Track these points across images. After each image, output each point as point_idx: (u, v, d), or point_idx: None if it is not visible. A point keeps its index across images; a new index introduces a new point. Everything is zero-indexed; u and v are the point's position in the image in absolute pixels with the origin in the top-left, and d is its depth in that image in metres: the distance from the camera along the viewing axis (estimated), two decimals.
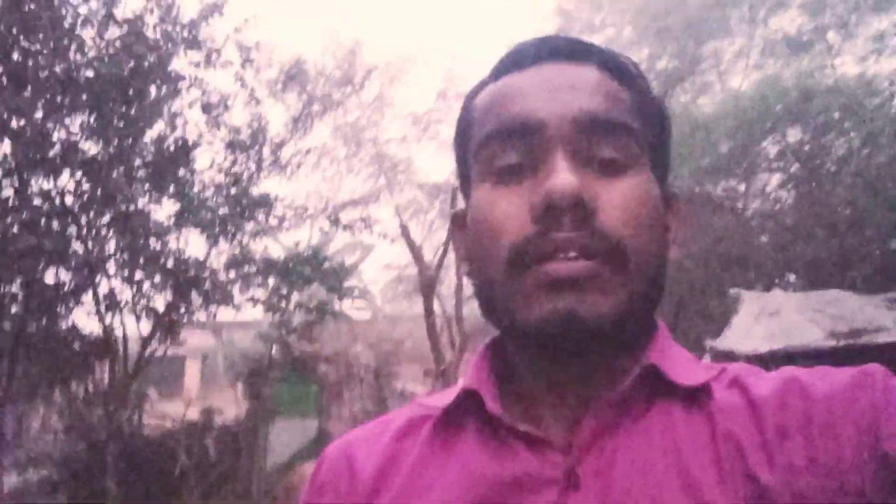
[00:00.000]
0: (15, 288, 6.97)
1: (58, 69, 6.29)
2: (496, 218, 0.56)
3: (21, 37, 6.25)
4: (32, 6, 6.19)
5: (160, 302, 7.87)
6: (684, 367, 0.56)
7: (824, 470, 0.47)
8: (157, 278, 7.39)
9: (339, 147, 10.60)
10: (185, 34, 6.86)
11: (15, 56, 6.28)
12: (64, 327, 7.65)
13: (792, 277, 6.59)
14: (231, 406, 10.96)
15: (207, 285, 7.04)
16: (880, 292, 4.82)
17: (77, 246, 7.15)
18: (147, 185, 7.21)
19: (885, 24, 10.61)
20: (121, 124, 6.79)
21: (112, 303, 7.80)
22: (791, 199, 7.16)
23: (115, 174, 6.83)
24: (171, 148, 7.14)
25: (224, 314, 8.72)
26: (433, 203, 11.06)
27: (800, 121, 7.07)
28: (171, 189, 7.19)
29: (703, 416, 0.53)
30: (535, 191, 0.54)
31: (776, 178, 7.27)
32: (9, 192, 6.59)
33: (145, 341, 7.78)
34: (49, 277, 7.22)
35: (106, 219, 7.21)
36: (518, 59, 0.60)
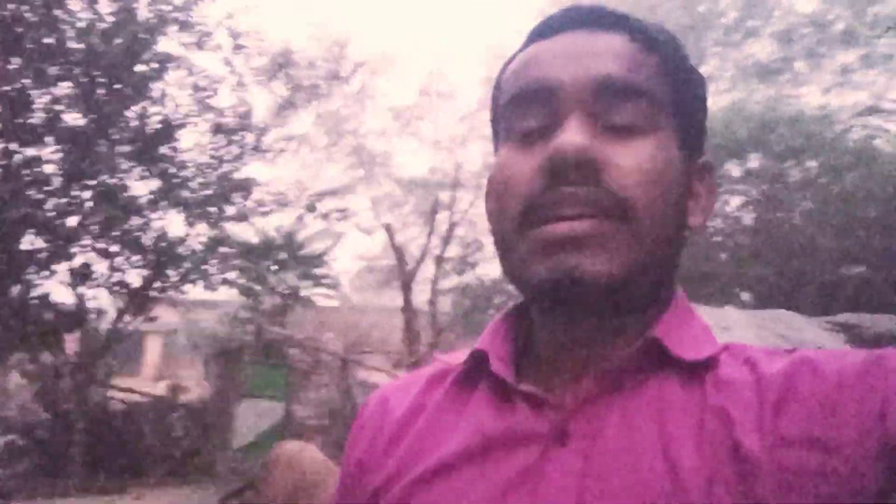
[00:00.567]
0: None
1: (48, 39, 6.30)
2: (512, 176, 0.57)
3: (12, 4, 6.25)
4: None
5: (135, 277, 7.95)
6: (692, 341, 0.57)
7: (819, 447, 0.47)
8: (134, 254, 7.46)
9: (320, 136, 10.69)
10: (178, 15, 6.92)
11: (4, 22, 6.28)
12: (35, 296, 7.67)
13: (745, 296, 6.97)
14: (192, 384, 11.02)
15: (187, 264, 7.12)
16: (824, 315, 5.11)
17: (52, 215, 7.18)
18: (129, 161, 7.26)
19: (850, 58, 11.13)
20: (106, 98, 6.84)
21: (85, 275, 7.84)
22: (750, 221, 7.55)
23: (97, 147, 6.88)
24: (156, 126, 7.21)
25: (192, 293, 8.82)
26: (409, 198, 11.23)
27: (762, 147, 7.44)
28: (153, 166, 7.25)
29: (698, 389, 0.53)
30: (547, 150, 0.55)
31: (737, 200, 7.63)
32: None
33: (118, 315, 7.83)
34: (24, 244, 7.25)
35: (86, 191, 7.25)
36: (545, 28, 0.62)
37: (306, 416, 9.42)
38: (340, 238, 10.79)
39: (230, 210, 7.51)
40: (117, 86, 6.70)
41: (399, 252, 6.71)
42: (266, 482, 5.34)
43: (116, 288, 8.01)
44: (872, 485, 0.45)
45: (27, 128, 6.56)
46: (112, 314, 8.34)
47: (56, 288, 7.87)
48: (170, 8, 7.01)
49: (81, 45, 6.35)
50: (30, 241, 7.20)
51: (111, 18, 6.58)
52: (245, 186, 7.66)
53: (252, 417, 8.53)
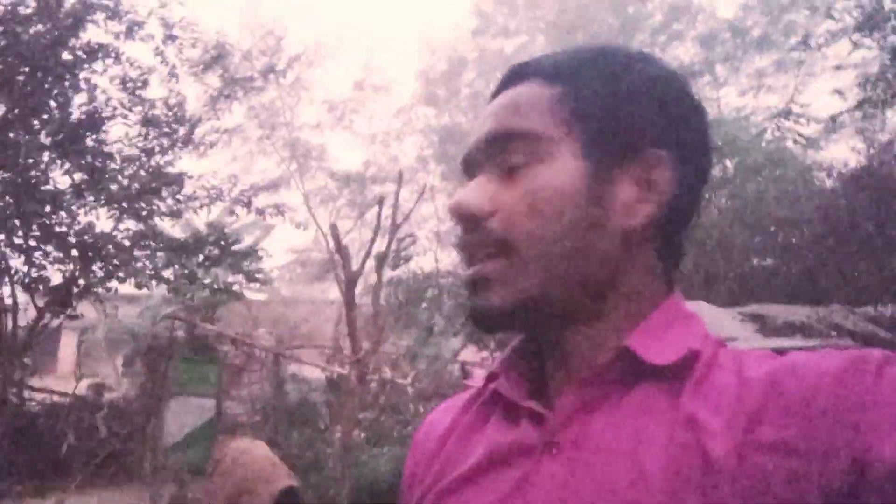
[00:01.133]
0: None
1: None
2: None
3: None
4: None
5: (56, 274, 7.75)
6: (669, 347, 0.59)
7: (790, 452, 0.48)
8: (56, 249, 7.28)
9: (253, 128, 10.63)
10: (107, 2, 6.79)
11: None
12: None
13: None
14: (111, 382, 10.75)
15: (115, 261, 7.03)
16: (737, 306, 5.49)
17: None
18: (50, 152, 7.08)
19: (765, 63, 11.94)
20: (27, 86, 6.65)
21: (1, 271, 7.59)
22: None
23: (15, 136, 6.68)
24: (80, 116, 7.05)
25: (118, 287, 8.64)
26: (342, 191, 11.29)
27: None
28: (78, 158, 7.09)
29: (675, 396, 0.56)
30: None
31: None
32: None
33: (39, 314, 7.63)
34: None
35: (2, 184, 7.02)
36: (493, 91, 0.71)
37: (238, 413, 9.41)
38: (270, 231, 10.78)
39: (161, 205, 7.44)
40: (40, 74, 6.53)
41: (345, 251, 6.85)
42: (211, 480, 5.39)
43: (34, 285, 7.78)
44: (841, 492, 0.46)
45: None
46: (30, 312, 8.10)
47: None
48: None
49: (1, 30, 6.16)
50: None
51: (33, 3, 6.40)
52: (176, 180, 7.59)
53: (182, 415, 8.45)
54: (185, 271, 8.25)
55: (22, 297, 7.91)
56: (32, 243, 7.43)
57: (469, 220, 0.62)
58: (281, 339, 11.03)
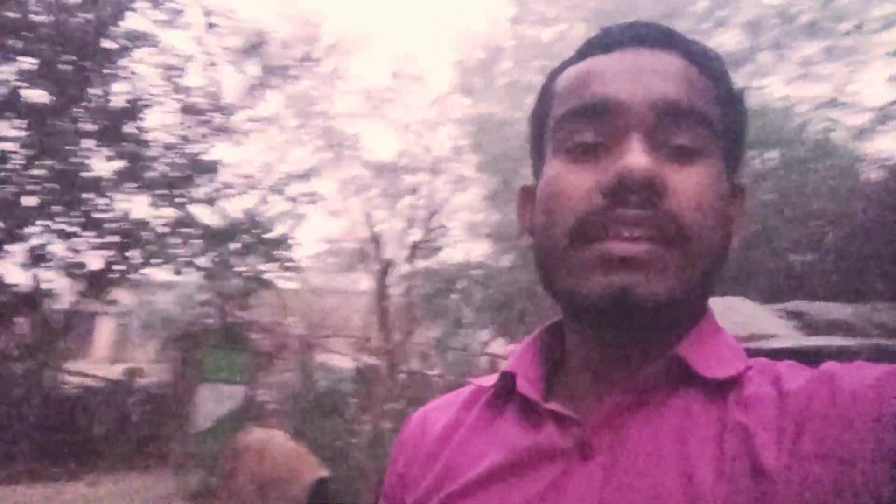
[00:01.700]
0: None
1: (13, 13, 6.36)
2: (565, 190, 0.59)
3: None
4: None
5: (94, 258, 8.05)
6: (718, 359, 0.59)
7: (835, 461, 0.48)
8: (95, 235, 7.58)
9: (289, 117, 10.81)
10: None
11: None
12: None
13: None
14: (145, 367, 11.09)
15: (151, 247, 7.29)
16: (777, 303, 5.30)
17: (10, 195, 7.24)
18: (92, 140, 7.35)
19: (814, 50, 11.67)
20: (70, 74, 6.92)
21: (41, 256, 7.93)
22: None
23: (59, 124, 6.97)
24: (121, 104, 7.31)
25: (155, 274, 8.95)
26: (376, 181, 11.43)
27: None
28: (117, 146, 7.36)
29: (721, 406, 0.55)
30: (607, 169, 0.57)
31: None
32: None
33: (77, 298, 7.95)
34: None
35: (44, 170, 7.33)
36: (604, 42, 0.64)
37: (267, 401, 9.63)
38: (302, 220, 11.00)
39: (196, 192, 7.67)
40: (82, 62, 6.79)
41: (377, 240, 6.99)
42: (233, 473, 5.33)
43: (74, 270, 8.09)
44: (888, 498, 0.46)
45: None
46: (68, 296, 8.43)
47: (10, 269, 7.96)
48: None
49: (46, 19, 6.42)
50: None
51: None
52: (211, 168, 7.81)
53: (212, 402, 8.65)
54: (219, 259, 8.49)
55: (61, 283, 8.24)
56: (73, 229, 7.74)
57: (648, 192, 0.56)
58: (311, 328, 11.24)
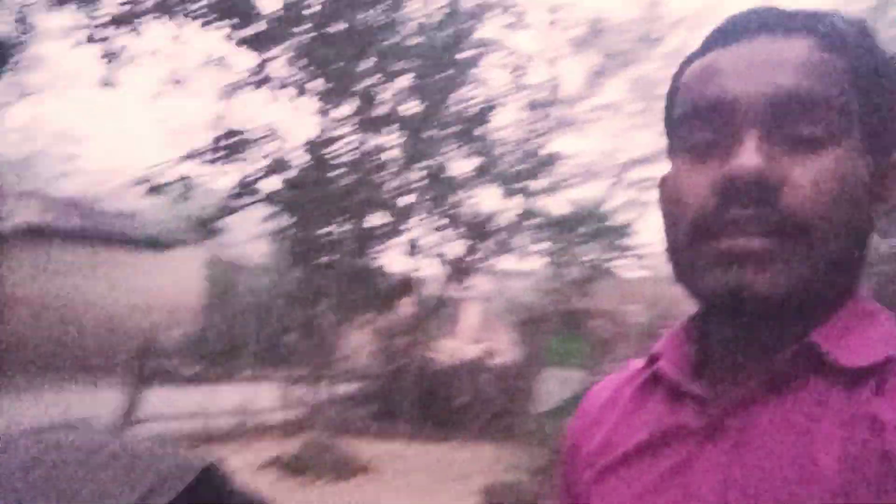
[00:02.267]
0: (336, 232, 8.65)
1: (390, 41, 7.53)
2: (683, 192, 0.61)
3: (361, 14, 7.59)
4: None
5: (455, 248, 9.14)
6: (860, 346, 0.57)
7: None
8: (457, 228, 8.59)
9: (632, 102, 10.76)
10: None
11: (356, 30, 7.66)
12: (376, 266, 9.31)
13: None
14: (501, 348, 12.10)
15: (502, 236, 7.98)
16: None
17: (391, 196, 8.60)
18: (452, 142, 8.33)
19: None
20: (437, 87, 7.94)
21: (415, 248, 9.25)
22: None
23: (427, 132, 8.05)
24: (475, 108, 8.14)
25: (504, 262, 9.77)
26: None
27: None
28: (473, 146, 8.21)
29: (856, 395, 0.55)
30: (720, 168, 0.57)
31: None
32: (345, 148, 8.17)
33: (445, 283, 9.09)
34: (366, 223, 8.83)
35: (416, 173, 8.54)
36: (725, 34, 0.63)
37: None
38: (646, 208, 10.88)
39: (541, 183, 8.14)
40: (444, 73, 7.71)
41: None
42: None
43: (441, 259, 9.24)
44: None
45: (373, 120, 7.96)
46: (437, 283, 9.66)
47: (392, 259, 9.47)
48: None
49: (419, 41, 7.43)
50: (372, 220, 8.72)
51: (437, 13, 7.58)
52: (556, 159, 8.20)
53: (553, 384, 9.07)
54: (562, 247, 8.89)
55: (432, 271, 9.49)
56: (442, 222, 8.87)
57: (759, 191, 0.56)
58: (657, 317, 11.05)
